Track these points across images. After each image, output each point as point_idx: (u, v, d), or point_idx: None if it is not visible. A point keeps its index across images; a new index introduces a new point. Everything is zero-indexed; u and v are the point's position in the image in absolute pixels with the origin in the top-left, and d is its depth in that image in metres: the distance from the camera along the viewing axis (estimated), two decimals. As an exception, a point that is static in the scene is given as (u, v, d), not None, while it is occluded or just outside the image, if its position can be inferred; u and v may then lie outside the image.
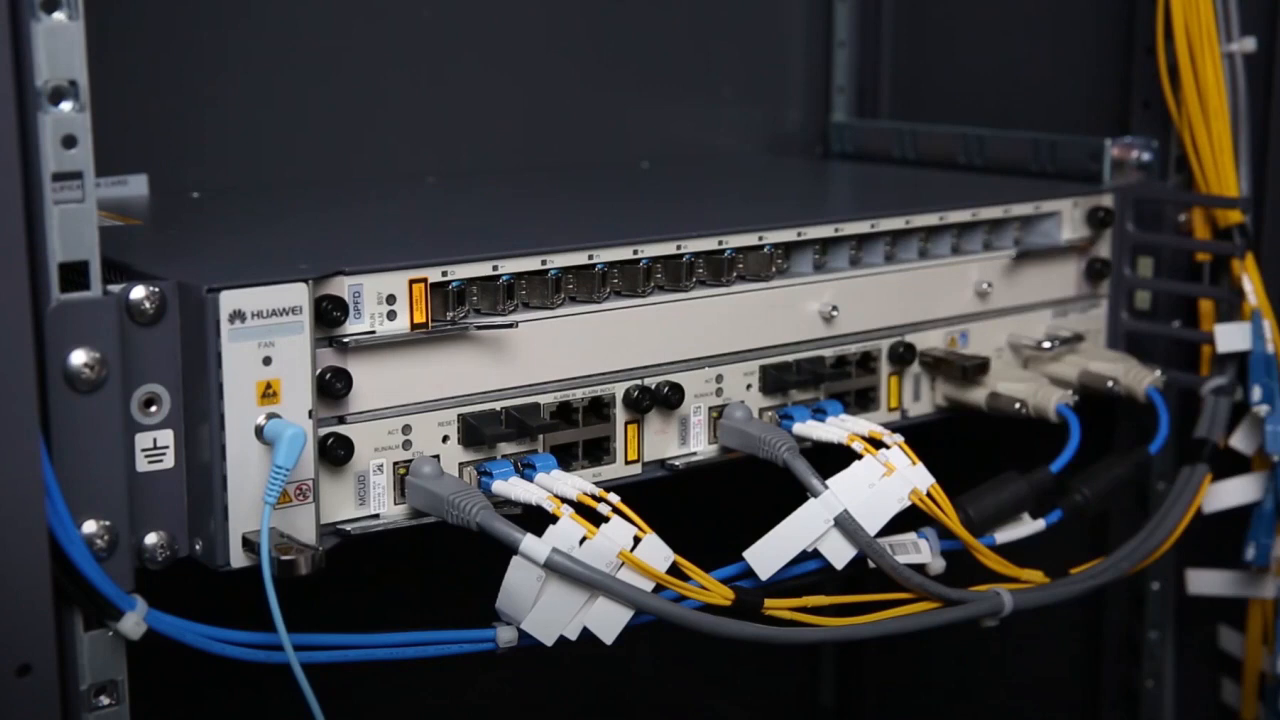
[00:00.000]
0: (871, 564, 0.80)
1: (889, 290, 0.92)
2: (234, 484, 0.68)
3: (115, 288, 0.66)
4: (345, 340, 0.72)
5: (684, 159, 1.26)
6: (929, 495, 0.81)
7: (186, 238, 0.89)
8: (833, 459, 0.82)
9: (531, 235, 0.83)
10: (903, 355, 0.92)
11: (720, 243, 0.85)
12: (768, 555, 0.79)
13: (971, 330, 0.96)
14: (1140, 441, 0.95)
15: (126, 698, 0.69)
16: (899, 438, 0.83)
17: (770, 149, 1.33)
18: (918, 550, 0.83)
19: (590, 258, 0.80)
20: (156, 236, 0.90)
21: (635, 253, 0.81)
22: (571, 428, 0.80)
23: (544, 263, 0.78)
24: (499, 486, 0.76)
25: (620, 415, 0.82)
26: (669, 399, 0.82)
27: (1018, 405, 0.93)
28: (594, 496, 0.74)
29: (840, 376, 0.89)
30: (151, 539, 0.68)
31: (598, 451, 0.81)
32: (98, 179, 0.64)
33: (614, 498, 0.75)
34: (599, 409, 0.81)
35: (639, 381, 0.82)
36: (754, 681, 1.39)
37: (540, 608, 0.72)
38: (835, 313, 0.89)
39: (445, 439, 0.76)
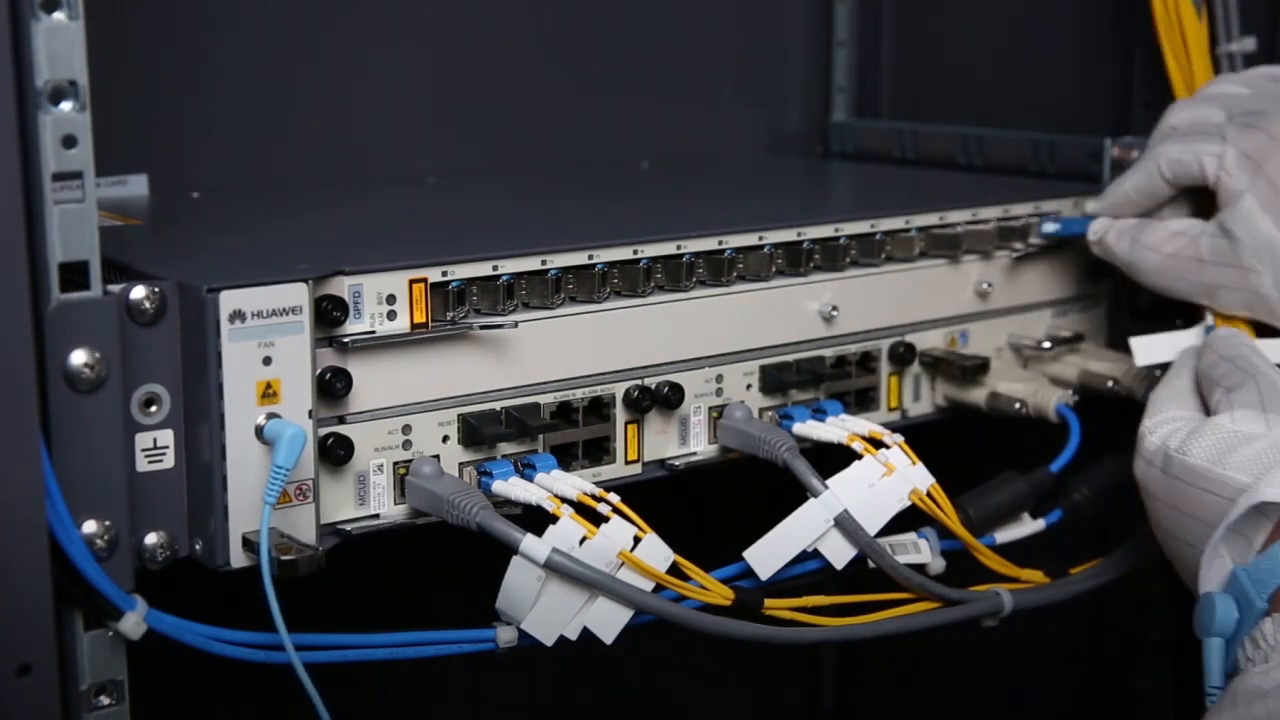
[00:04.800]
0: (871, 564, 0.80)
1: (889, 290, 0.92)
2: (234, 484, 0.68)
3: (115, 288, 0.66)
4: (345, 340, 0.72)
5: (684, 159, 1.26)
6: (929, 495, 0.81)
7: (186, 238, 0.89)
8: (833, 459, 0.82)
9: (531, 235, 0.83)
10: (903, 355, 0.92)
11: (720, 243, 0.85)
12: (768, 555, 0.79)
13: (971, 330, 0.96)
14: (1140, 441, 0.95)
15: (126, 698, 0.69)
16: (899, 438, 0.83)
17: (770, 149, 1.33)
18: (918, 550, 0.83)
19: (590, 258, 0.80)
20: (156, 236, 0.90)
21: (635, 253, 0.81)
22: (571, 428, 0.80)
23: (544, 263, 0.78)
24: (499, 486, 0.76)
25: (620, 415, 0.82)
26: (669, 399, 0.82)
27: (1018, 405, 0.93)
28: (594, 496, 0.74)
29: (840, 376, 0.89)
30: (151, 539, 0.68)
31: (598, 451, 0.82)
32: (98, 179, 0.64)
33: (614, 498, 0.75)
34: (599, 409, 0.81)
35: (639, 381, 0.82)
36: (754, 681, 1.39)
37: (540, 608, 0.72)
38: (835, 313, 0.89)
39: (445, 439, 0.76)
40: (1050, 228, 0.96)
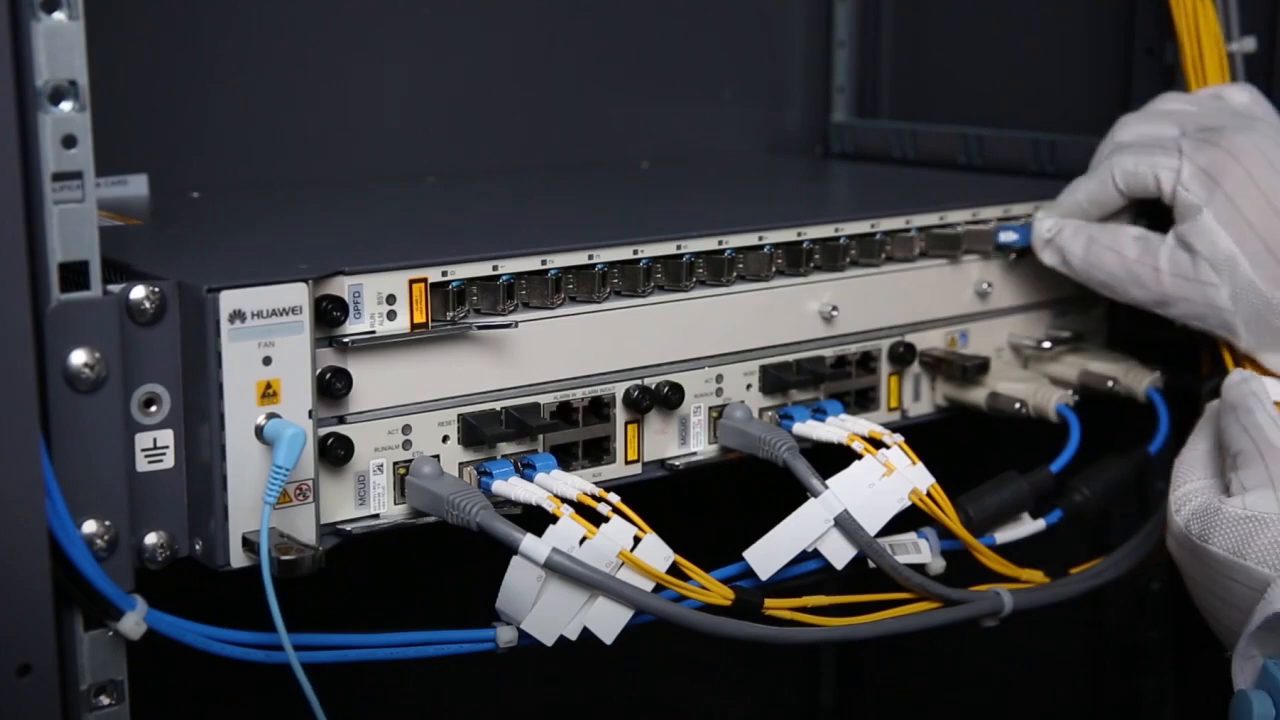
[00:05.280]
0: (871, 564, 0.80)
1: (889, 290, 0.92)
2: (234, 484, 0.68)
3: (115, 288, 0.66)
4: (345, 340, 0.72)
5: (684, 159, 1.26)
6: (929, 495, 0.81)
7: (186, 238, 0.89)
8: (833, 459, 0.82)
9: (531, 235, 0.83)
10: (903, 355, 0.92)
11: (720, 243, 0.85)
12: (768, 555, 0.79)
13: (971, 330, 0.96)
14: (1140, 441, 0.95)
15: (126, 698, 0.69)
16: (899, 438, 0.83)
17: (770, 149, 1.33)
18: (918, 550, 0.83)
19: (590, 258, 0.80)
20: (156, 236, 0.90)
21: (635, 253, 0.81)
22: (571, 428, 0.80)
23: (544, 263, 0.78)
24: (499, 486, 0.76)
25: (620, 415, 0.82)
26: (669, 399, 0.82)
27: (1018, 405, 0.93)
28: (594, 496, 0.74)
29: (840, 376, 0.89)
30: (151, 539, 0.68)
31: (598, 451, 0.81)
32: (98, 179, 0.64)
33: (614, 498, 0.75)
34: (599, 409, 0.81)
35: (639, 381, 0.82)
36: (754, 681, 1.39)
37: (540, 608, 0.72)
38: (835, 313, 0.89)
39: (445, 439, 0.76)
40: (1008, 236, 0.95)
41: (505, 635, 0.73)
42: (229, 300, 0.67)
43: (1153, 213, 0.92)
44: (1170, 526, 0.78)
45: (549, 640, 0.73)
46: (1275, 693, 0.68)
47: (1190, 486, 0.78)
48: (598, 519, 0.74)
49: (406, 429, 0.75)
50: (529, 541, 0.71)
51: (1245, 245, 0.85)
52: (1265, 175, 0.85)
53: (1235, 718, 0.69)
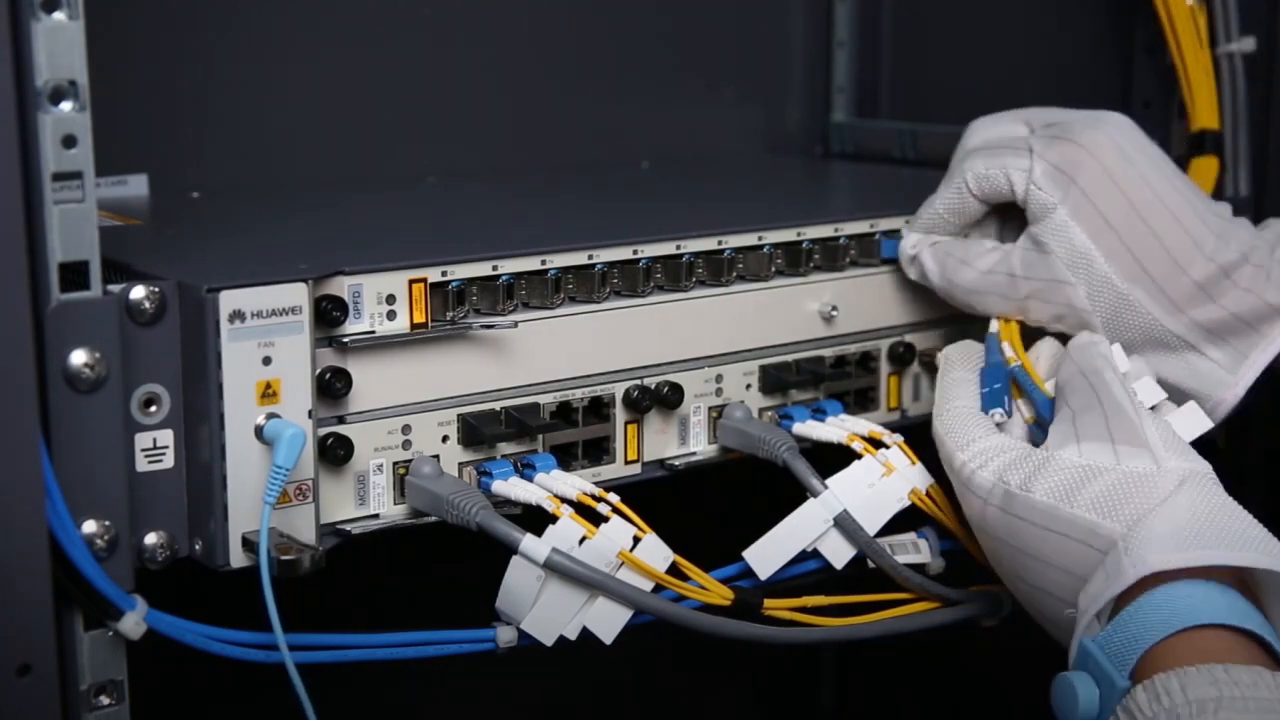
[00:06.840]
0: (871, 564, 0.81)
1: (889, 290, 0.92)
2: (234, 484, 0.68)
3: (115, 288, 0.66)
4: (345, 340, 0.72)
5: (684, 159, 1.26)
6: (929, 495, 0.81)
7: (186, 238, 0.89)
8: (833, 459, 0.82)
9: (531, 235, 0.83)
10: (903, 355, 0.92)
11: (720, 243, 0.85)
12: (767, 555, 0.79)
13: (971, 330, 0.96)
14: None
15: (126, 698, 0.69)
16: (899, 438, 0.83)
17: (770, 149, 1.33)
18: (918, 550, 0.83)
19: (590, 258, 0.80)
20: (156, 236, 0.90)
21: (635, 253, 0.82)
22: (571, 428, 0.80)
23: (544, 263, 0.78)
24: (499, 486, 0.76)
25: (620, 415, 0.82)
26: (669, 399, 0.82)
27: (1018, 405, 0.93)
28: (594, 496, 0.74)
29: (840, 376, 0.89)
30: (151, 539, 0.68)
31: (597, 451, 0.82)
32: (98, 179, 0.64)
33: (614, 497, 0.75)
34: (599, 409, 0.81)
35: (639, 381, 0.82)
36: (754, 681, 1.39)
37: (540, 607, 0.72)
38: (835, 313, 0.89)
39: (445, 439, 0.76)
40: (892, 250, 0.92)
41: (505, 635, 0.73)
42: (229, 300, 0.67)
43: (1015, 218, 0.90)
44: (972, 484, 0.74)
45: (549, 640, 0.73)
46: (1096, 671, 0.65)
47: (990, 443, 0.75)
48: (597, 519, 0.74)
49: (406, 429, 0.75)
50: (529, 541, 0.71)
51: (1100, 240, 0.82)
52: (1121, 169, 0.82)
53: (1060, 701, 0.65)
